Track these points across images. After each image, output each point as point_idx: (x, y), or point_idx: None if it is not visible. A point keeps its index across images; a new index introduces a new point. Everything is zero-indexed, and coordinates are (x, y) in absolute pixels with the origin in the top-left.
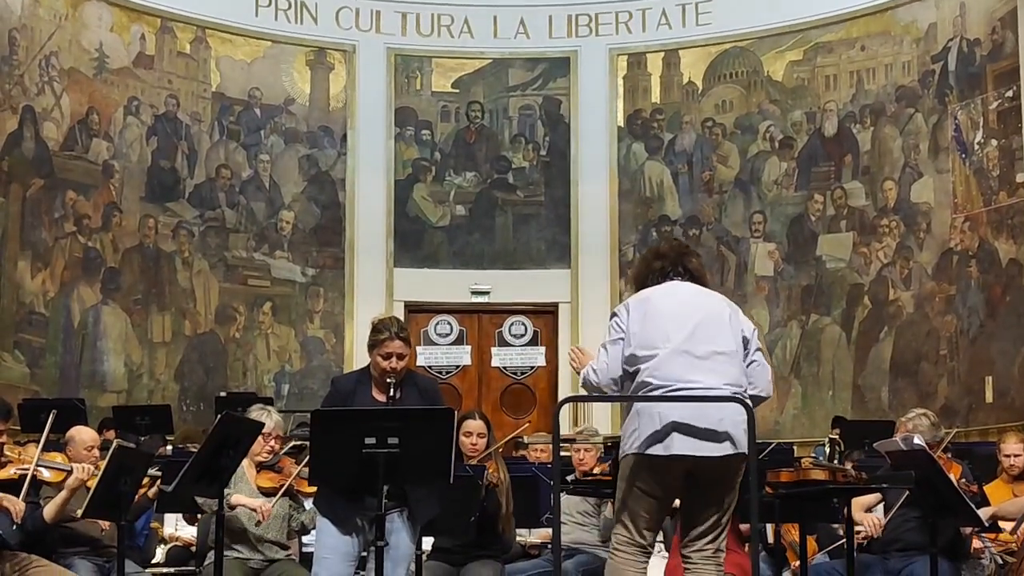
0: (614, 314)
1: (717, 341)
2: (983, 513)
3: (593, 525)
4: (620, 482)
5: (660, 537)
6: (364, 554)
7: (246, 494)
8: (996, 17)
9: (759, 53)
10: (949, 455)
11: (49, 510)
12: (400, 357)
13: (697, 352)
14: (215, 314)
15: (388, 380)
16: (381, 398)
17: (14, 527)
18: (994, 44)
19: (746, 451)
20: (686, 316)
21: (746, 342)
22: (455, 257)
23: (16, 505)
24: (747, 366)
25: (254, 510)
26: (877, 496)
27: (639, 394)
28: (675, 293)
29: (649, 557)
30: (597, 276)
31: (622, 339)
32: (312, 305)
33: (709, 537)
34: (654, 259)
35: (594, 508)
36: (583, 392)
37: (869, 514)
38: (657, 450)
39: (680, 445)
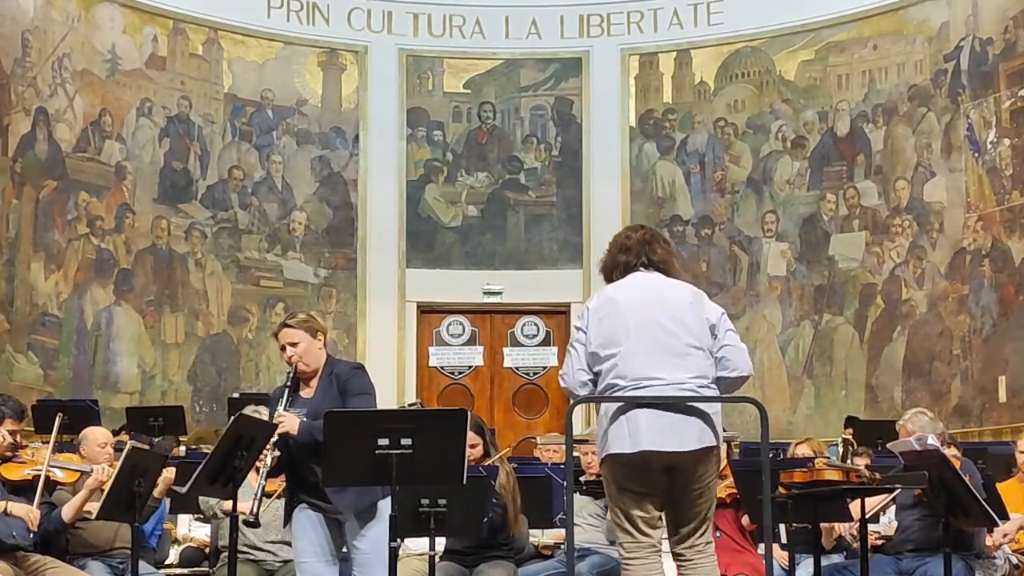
0: (578, 316)
1: (679, 335)
2: (1010, 526)
3: (604, 526)
4: (607, 488)
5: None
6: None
7: (248, 498)
8: (1009, 16)
9: (771, 53)
10: (958, 453)
11: (67, 510)
12: (293, 344)
13: (658, 348)
14: (228, 315)
15: (289, 371)
16: (302, 393)
17: (31, 535)
18: (1007, 43)
19: (718, 443)
20: (646, 311)
21: (713, 329)
22: (467, 257)
23: (31, 513)
24: (718, 351)
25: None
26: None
27: (607, 395)
28: (636, 288)
29: (660, 554)
30: None
31: (581, 341)
32: (324, 306)
33: (699, 531)
34: (619, 252)
35: (603, 509)
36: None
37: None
38: (625, 447)
39: (648, 440)
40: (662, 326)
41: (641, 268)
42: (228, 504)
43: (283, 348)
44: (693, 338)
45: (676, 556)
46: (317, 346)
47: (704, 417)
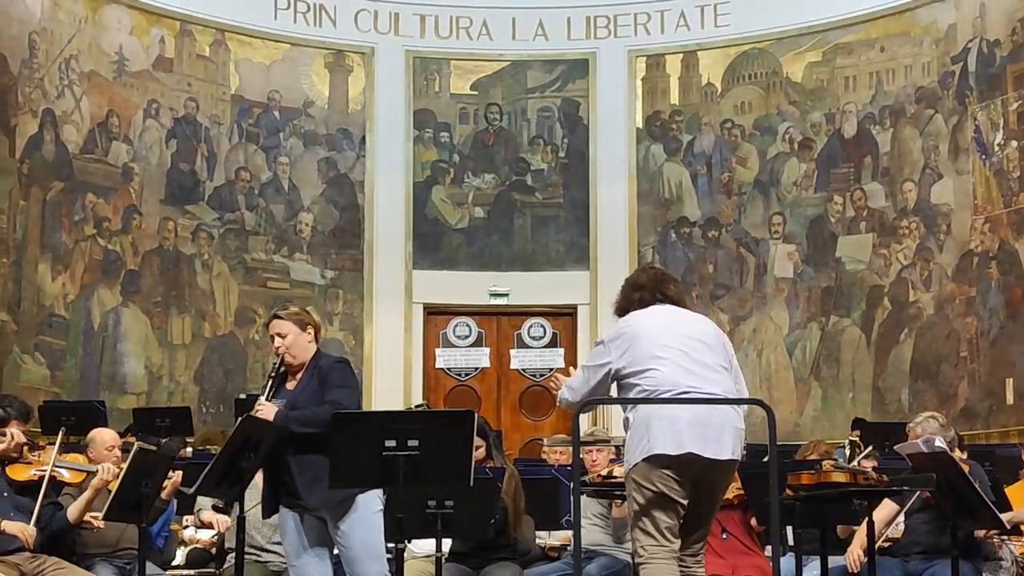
0: (601, 341)
1: (709, 355)
2: (1004, 518)
3: (609, 526)
4: (635, 494)
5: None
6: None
7: (257, 498)
8: (1016, 18)
9: (778, 54)
10: (965, 456)
11: (73, 511)
12: (281, 335)
13: (692, 361)
14: (234, 316)
15: (274, 362)
16: (288, 385)
17: (25, 553)
18: (1014, 45)
19: (739, 458)
20: (677, 332)
21: (730, 362)
22: (474, 259)
23: (25, 531)
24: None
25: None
26: (895, 508)
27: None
28: (661, 314)
29: (676, 557)
30: (616, 278)
31: (608, 363)
32: (331, 307)
33: (704, 540)
34: (633, 291)
35: (608, 510)
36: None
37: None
38: (669, 449)
39: (691, 444)
40: (693, 346)
41: (657, 303)
42: (203, 535)
43: (272, 339)
44: (721, 361)
45: (679, 562)
46: (306, 339)
47: (738, 431)
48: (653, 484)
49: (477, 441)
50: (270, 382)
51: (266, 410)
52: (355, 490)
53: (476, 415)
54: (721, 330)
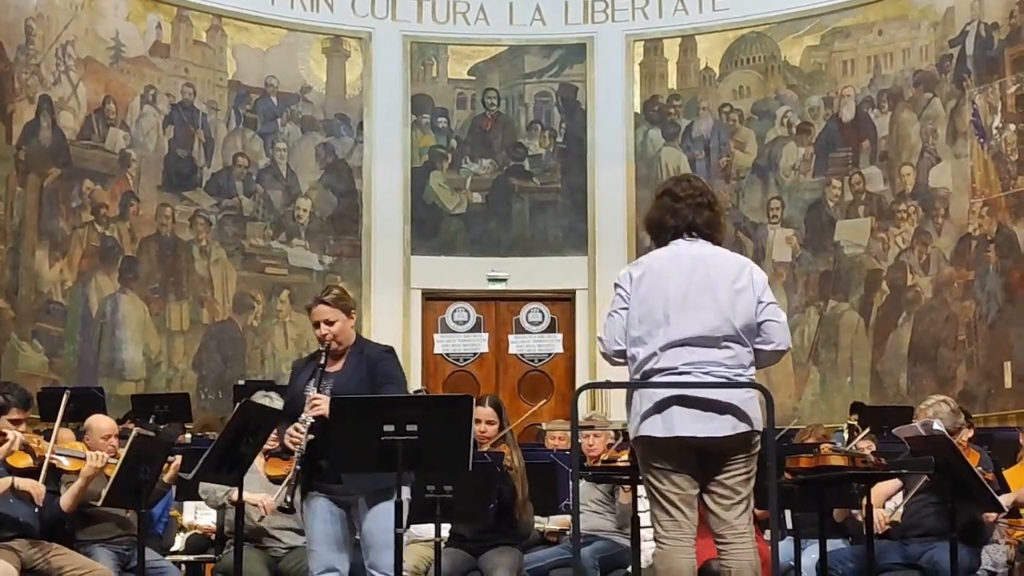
0: (617, 284)
1: (719, 327)
2: (1004, 499)
3: (608, 512)
4: (643, 470)
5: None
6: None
7: (257, 485)
8: (1014, 1)
9: (776, 38)
10: (968, 441)
11: (65, 499)
12: (328, 323)
13: (696, 338)
14: (233, 302)
15: (321, 348)
16: (330, 367)
17: (35, 510)
18: (1012, 28)
19: (755, 428)
20: (688, 298)
21: (758, 303)
22: (472, 244)
23: (36, 488)
24: (759, 324)
25: (255, 505)
26: (897, 484)
27: (642, 381)
28: (680, 268)
29: (694, 537)
30: (614, 263)
31: (626, 308)
32: None
33: (737, 511)
34: (667, 213)
35: (607, 495)
36: (602, 379)
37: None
38: (658, 431)
39: (681, 426)
40: (702, 319)
41: (686, 236)
42: (203, 520)
43: (316, 325)
44: (732, 329)
45: (717, 538)
46: (350, 325)
47: (738, 404)
48: (651, 459)
49: (492, 417)
50: (318, 372)
51: (323, 404)
52: (393, 482)
53: (489, 394)
54: (750, 266)
